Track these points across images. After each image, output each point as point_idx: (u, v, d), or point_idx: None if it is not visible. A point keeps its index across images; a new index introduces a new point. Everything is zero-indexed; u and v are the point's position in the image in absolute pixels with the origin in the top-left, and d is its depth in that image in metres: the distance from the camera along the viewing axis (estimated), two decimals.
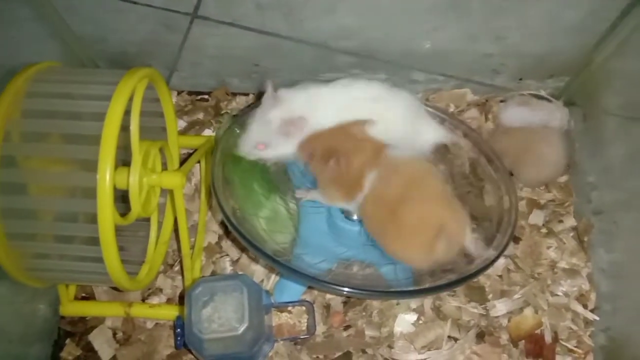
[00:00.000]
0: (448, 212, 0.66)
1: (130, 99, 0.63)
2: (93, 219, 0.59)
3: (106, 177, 0.58)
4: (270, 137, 0.72)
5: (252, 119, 0.74)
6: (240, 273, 0.84)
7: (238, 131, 0.79)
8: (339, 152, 0.69)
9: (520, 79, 0.94)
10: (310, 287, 0.82)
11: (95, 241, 0.61)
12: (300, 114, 0.72)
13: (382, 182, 0.68)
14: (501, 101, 0.96)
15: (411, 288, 0.69)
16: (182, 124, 0.96)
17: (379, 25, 0.82)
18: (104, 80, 0.65)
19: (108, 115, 0.60)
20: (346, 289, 0.66)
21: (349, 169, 0.69)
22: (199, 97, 1.00)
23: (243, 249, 0.86)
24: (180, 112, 0.97)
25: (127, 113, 0.63)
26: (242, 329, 0.67)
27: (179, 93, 1.00)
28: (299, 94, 0.74)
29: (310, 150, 0.72)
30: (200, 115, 0.98)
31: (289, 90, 0.74)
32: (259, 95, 0.72)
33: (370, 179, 0.69)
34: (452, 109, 0.96)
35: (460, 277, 0.68)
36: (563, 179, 0.92)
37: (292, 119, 0.71)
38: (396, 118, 0.75)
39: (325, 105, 0.73)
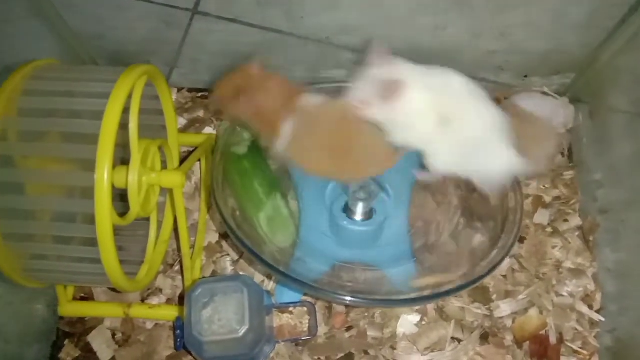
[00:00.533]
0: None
1: (129, 97, 0.62)
2: (91, 219, 0.58)
3: (104, 176, 0.57)
4: (370, 97, 0.65)
5: (358, 75, 0.66)
6: (241, 274, 0.83)
7: (239, 129, 0.77)
8: (249, 88, 0.66)
9: (525, 76, 0.93)
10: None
11: (93, 242, 0.59)
12: (401, 78, 0.63)
13: (306, 129, 0.66)
14: (505, 98, 0.95)
15: (415, 295, 0.67)
16: (182, 121, 0.95)
17: (381, 21, 0.81)
18: (102, 78, 0.63)
19: (106, 113, 0.59)
20: (349, 298, 0.65)
21: (266, 104, 0.66)
22: (200, 94, 0.99)
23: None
24: (180, 109, 0.96)
25: (126, 111, 0.62)
26: (242, 331, 0.66)
27: (179, 90, 0.99)
28: (406, 64, 0.66)
29: (221, 95, 0.68)
30: (201, 113, 0.97)
31: (397, 58, 0.66)
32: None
33: (288, 127, 0.66)
34: None
35: (466, 282, 0.67)
36: (569, 176, 0.91)
37: (390, 81, 0.63)
38: (474, 128, 0.65)
39: (425, 83, 0.65)
